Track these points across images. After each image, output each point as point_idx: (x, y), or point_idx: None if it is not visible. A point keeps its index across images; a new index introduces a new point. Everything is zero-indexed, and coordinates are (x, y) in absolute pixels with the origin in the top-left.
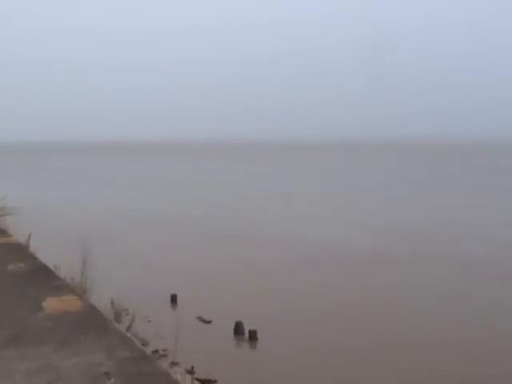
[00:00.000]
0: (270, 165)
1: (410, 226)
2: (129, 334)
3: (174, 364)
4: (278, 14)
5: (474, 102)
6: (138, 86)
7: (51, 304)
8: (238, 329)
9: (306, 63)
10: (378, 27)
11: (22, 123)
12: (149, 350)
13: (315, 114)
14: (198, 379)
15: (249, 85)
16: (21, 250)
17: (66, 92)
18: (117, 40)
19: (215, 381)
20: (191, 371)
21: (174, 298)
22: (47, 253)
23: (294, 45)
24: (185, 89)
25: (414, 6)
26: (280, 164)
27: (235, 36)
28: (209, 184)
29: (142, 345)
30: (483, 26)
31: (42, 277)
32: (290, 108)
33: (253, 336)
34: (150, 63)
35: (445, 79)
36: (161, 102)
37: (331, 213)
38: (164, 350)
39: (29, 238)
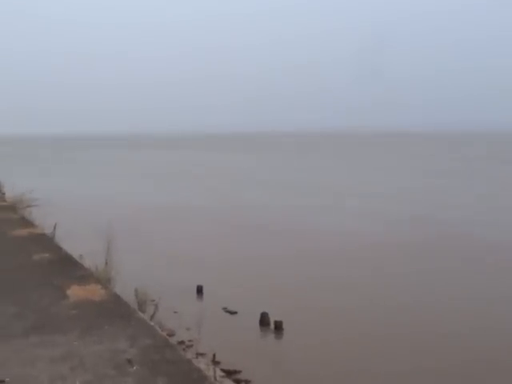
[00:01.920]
0: (280, 155)
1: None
2: (152, 323)
3: (199, 354)
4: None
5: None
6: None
7: (76, 292)
8: (264, 320)
9: (306, 52)
10: (378, 17)
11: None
12: (174, 341)
13: (317, 104)
14: (223, 370)
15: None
16: (46, 241)
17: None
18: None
19: (240, 371)
20: (215, 361)
21: (199, 289)
22: (72, 243)
23: (295, 34)
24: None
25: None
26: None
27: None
28: (236, 174)
29: (168, 335)
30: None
31: (67, 266)
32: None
33: (278, 327)
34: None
35: (444, 66)
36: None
37: (355, 203)
38: (190, 341)
39: (54, 228)
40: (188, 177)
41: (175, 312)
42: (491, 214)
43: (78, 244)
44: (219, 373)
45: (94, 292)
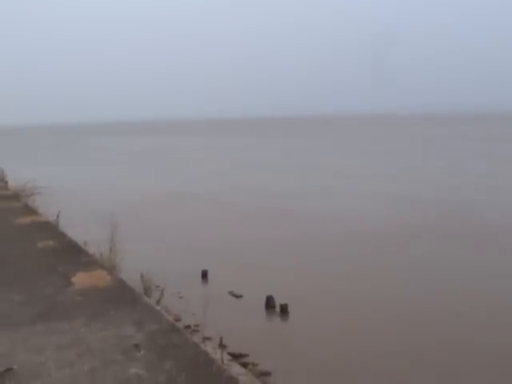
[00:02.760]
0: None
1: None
2: (158, 308)
3: (206, 339)
4: None
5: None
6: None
7: (81, 279)
8: (269, 303)
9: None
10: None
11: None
12: (181, 326)
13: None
14: (230, 353)
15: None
16: (50, 228)
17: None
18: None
19: (247, 355)
20: (222, 345)
21: (204, 274)
22: (76, 230)
23: (295, 17)
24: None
25: None
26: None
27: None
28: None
29: (174, 320)
30: None
31: (72, 253)
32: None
33: (284, 310)
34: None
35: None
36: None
37: (356, 184)
38: (196, 326)
39: (58, 216)
40: (188, 161)
41: (181, 297)
42: (491, 194)
43: (82, 231)
44: (226, 356)
45: (100, 278)
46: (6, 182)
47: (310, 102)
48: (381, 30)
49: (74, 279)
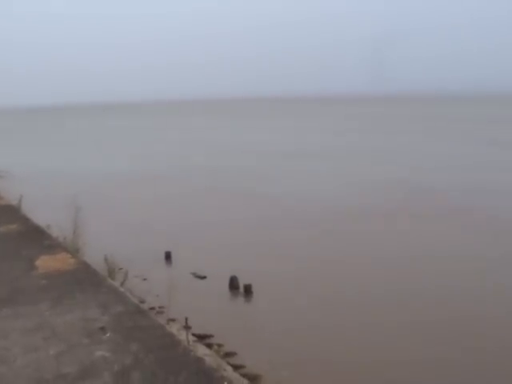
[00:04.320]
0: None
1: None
2: (123, 290)
3: (170, 320)
4: None
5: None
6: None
7: (45, 263)
8: (233, 283)
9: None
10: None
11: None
12: (145, 308)
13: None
14: (194, 334)
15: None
16: (13, 212)
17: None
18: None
19: (212, 335)
20: (187, 326)
21: (168, 256)
22: (40, 214)
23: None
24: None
25: None
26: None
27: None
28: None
29: (139, 302)
30: None
31: (35, 237)
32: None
33: (248, 290)
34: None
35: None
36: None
37: (332, 166)
38: (160, 307)
39: (20, 200)
40: (162, 143)
41: (144, 279)
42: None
43: (45, 215)
44: (191, 338)
45: (63, 261)
46: None
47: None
48: (381, 30)
49: (37, 263)
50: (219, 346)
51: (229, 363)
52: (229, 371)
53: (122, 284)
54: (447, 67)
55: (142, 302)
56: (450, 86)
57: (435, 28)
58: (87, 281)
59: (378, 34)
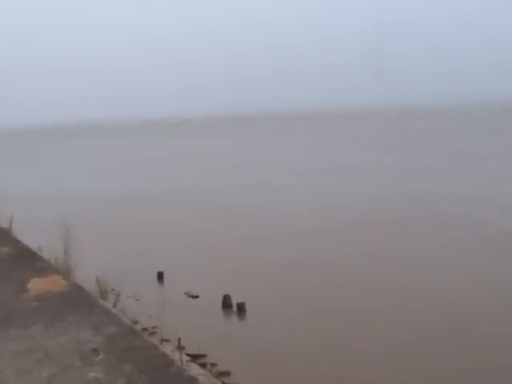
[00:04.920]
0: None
1: None
2: (115, 311)
3: (164, 340)
4: None
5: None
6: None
7: (36, 285)
8: (226, 302)
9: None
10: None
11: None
12: (138, 328)
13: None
14: (188, 354)
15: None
16: (3, 234)
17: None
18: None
19: (205, 355)
20: (180, 346)
21: (160, 276)
22: (30, 235)
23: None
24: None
25: None
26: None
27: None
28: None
29: (132, 323)
30: None
31: (26, 259)
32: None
33: (241, 308)
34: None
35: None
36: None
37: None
38: (154, 328)
39: (10, 221)
40: (155, 164)
41: (137, 299)
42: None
43: (36, 236)
44: (185, 357)
45: (55, 283)
46: None
47: (310, 97)
48: (381, 23)
49: (29, 285)
50: (213, 365)
51: (223, 382)
52: None
53: (115, 305)
54: (447, 67)
55: (135, 322)
56: (450, 87)
57: (435, 22)
58: (79, 302)
59: (378, 28)
